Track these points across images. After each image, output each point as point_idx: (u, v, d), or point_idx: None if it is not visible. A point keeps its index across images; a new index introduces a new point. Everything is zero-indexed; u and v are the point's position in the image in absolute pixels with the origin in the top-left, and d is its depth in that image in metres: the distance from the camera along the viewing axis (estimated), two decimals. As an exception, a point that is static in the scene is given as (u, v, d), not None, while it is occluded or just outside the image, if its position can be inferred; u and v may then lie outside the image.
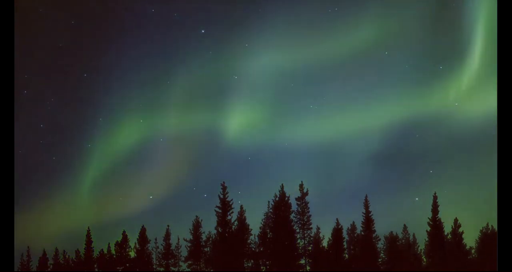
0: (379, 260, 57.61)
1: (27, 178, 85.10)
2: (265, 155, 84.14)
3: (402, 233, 59.03)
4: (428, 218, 55.96)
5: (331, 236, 57.94)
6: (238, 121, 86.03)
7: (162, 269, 61.38)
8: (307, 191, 57.56)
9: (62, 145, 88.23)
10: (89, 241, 64.64)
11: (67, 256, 66.58)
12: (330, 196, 76.09)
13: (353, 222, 59.24)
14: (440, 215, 55.84)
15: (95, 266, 64.26)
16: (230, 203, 56.90)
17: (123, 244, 63.10)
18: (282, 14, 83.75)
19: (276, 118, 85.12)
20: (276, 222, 56.77)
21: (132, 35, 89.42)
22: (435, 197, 56.02)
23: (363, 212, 58.43)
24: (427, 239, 55.90)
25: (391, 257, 56.82)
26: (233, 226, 56.94)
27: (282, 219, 56.55)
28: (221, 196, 56.87)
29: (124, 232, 63.74)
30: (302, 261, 57.18)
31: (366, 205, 58.31)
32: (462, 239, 55.17)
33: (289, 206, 57.14)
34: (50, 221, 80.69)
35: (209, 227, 59.43)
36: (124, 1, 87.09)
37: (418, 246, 58.21)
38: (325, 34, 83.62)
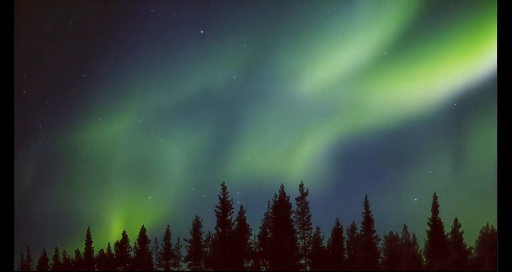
0: (379, 260, 57.57)
1: (27, 178, 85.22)
2: (265, 155, 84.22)
3: (402, 233, 58.88)
4: (428, 218, 55.92)
5: (331, 236, 57.94)
6: (238, 122, 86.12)
7: (162, 269, 61.45)
8: (307, 191, 57.65)
9: (62, 145, 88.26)
10: (89, 241, 64.69)
11: (67, 256, 66.61)
12: (330, 196, 76.04)
13: (353, 222, 59.14)
14: (440, 215, 55.86)
15: (95, 266, 64.29)
16: (230, 203, 56.94)
17: (123, 244, 63.17)
18: (281, 14, 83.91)
19: (276, 118, 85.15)
20: (276, 222, 56.77)
21: (132, 36, 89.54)
22: (435, 197, 55.98)
23: (363, 212, 58.49)
24: (427, 239, 55.87)
25: (391, 257, 56.78)
26: (233, 226, 56.96)
27: (282, 219, 56.56)
28: (221, 196, 56.91)
29: (124, 232, 63.90)
30: (302, 261, 57.20)
31: (366, 205, 58.36)
32: (462, 239, 55.12)
33: (289, 206, 57.16)
34: (50, 221, 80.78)
35: (209, 227, 59.46)
36: (124, 1, 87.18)
37: (418, 246, 58.05)
38: (323, 34, 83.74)
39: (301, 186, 57.53)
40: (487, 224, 56.24)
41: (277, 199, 57.27)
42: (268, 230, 57.45)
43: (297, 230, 57.18)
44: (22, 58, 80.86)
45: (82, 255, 64.93)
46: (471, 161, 78.86)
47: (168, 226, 62.20)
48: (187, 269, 59.83)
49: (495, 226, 54.91)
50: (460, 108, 79.10)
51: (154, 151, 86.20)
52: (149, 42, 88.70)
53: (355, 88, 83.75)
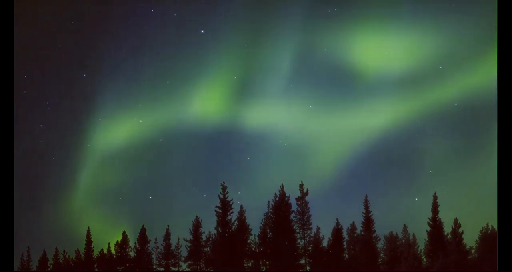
0: (379, 260, 57.57)
1: (27, 178, 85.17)
2: (265, 155, 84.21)
3: (402, 233, 58.86)
4: (428, 218, 55.92)
5: (331, 236, 57.94)
6: (238, 122, 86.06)
7: (162, 269, 61.44)
8: (307, 191, 57.60)
9: (62, 145, 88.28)
10: (89, 241, 64.69)
11: (67, 256, 66.59)
12: (330, 196, 76.06)
13: (353, 222, 59.19)
14: (440, 215, 55.86)
15: (95, 266, 64.28)
16: (230, 203, 56.93)
17: (123, 244, 63.16)
18: (281, 14, 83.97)
19: (276, 118, 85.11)
20: (276, 222, 56.76)
21: (132, 35, 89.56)
22: (435, 197, 55.97)
23: (363, 212, 58.51)
24: (427, 239, 55.87)
25: (391, 257, 56.79)
26: (233, 226, 56.94)
27: (282, 219, 56.55)
28: (221, 196, 56.89)
29: (124, 232, 63.88)
30: (302, 261, 57.17)
31: (366, 205, 58.40)
32: (462, 239, 55.11)
33: (289, 206, 57.14)
34: (50, 220, 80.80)
35: (209, 227, 59.42)
36: (124, 1, 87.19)
37: (418, 246, 58.03)
38: (323, 34, 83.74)
39: (301, 186, 57.52)
40: (487, 224, 56.29)
41: (277, 199, 57.26)
42: (268, 230, 57.43)
43: (297, 230, 57.16)
44: (22, 58, 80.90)
45: (82, 255, 64.92)
46: (471, 161, 78.90)
47: (168, 226, 62.27)
48: (187, 269, 59.87)
49: (495, 226, 54.93)
50: (460, 108, 79.09)
51: (154, 151, 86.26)
52: (149, 42, 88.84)
53: (355, 88, 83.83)
